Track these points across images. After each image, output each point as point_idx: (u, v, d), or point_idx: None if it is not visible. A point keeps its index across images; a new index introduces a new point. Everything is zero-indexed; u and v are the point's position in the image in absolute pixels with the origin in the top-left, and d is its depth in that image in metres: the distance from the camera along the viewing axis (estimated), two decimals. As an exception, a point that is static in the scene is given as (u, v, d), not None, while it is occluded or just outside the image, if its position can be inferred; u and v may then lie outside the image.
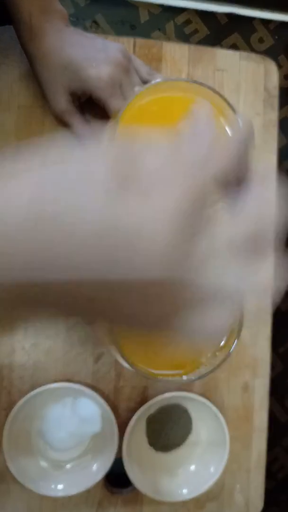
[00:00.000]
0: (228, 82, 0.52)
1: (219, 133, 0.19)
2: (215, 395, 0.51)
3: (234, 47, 1.18)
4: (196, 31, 1.16)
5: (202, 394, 0.50)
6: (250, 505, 0.53)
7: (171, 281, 0.18)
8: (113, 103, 0.44)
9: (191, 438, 0.51)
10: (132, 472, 0.47)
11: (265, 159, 0.53)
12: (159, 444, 0.51)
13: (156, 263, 0.17)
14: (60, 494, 0.47)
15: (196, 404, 0.50)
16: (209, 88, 0.33)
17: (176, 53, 0.51)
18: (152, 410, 0.49)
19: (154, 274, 0.17)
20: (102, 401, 0.47)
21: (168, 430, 0.50)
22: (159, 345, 0.35)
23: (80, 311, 0.19)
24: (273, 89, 0.53)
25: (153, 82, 0.33)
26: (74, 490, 0.47)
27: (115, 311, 0.19)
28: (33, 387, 0.47)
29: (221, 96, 0.33)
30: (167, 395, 0.48)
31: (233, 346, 0.34)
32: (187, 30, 1.16)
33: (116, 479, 0.49)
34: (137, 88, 0.33)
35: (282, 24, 1.19)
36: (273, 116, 0.53)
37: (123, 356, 0.33)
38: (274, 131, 0.53)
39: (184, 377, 0.34)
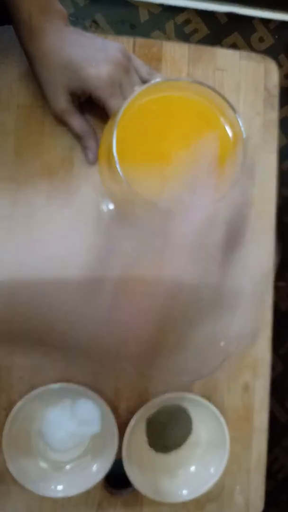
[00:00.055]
0: (228, 81, 0.52)
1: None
2: (215, 395, 0.51)
3: (234, 46, 1.18)
4: (196, 30, 1.16)
5: (202, 395, 0.50)
6: (250, 506, 0.52)
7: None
8: (112, 102, 0.44)
9: (191, 438, 0.51)
10: (132, 473, 0.47)
11: (265, 159, 0.53)
12: (159, 445, 0.51)
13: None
14: (60, 495, 0.47)
15: (196, 405, 0.50)
16: (209, 87, 0.33)
17: (176, 52, 0.51)
18: (152, 411, 0.49)
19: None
20: (102, 401, 0.47)
21: (168, 430, 0.50)
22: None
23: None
24: (273, 88, 0.53)
25: (152, 81, 0.33)
26: (74, 491, 0.47)
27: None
28: (32, 388, 0.47)
29: (221, 95, 0.33)
30: (167, 395, 0.48)
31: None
32: (187, 29, 1.16)
33: (116, 480, 0.49)
34: (137, 88, 0.32)
35: (282, 23, 1.19)
36: (273, 115, 0.53)
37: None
38: (274, 131, 0.53)
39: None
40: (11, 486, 0.47)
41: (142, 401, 0.49)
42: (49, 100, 0.45)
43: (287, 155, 1.18)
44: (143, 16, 1.13)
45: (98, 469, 0.47)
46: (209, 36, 1.17)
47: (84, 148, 0.49)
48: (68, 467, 0.49)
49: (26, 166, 0.48)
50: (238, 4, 1.16)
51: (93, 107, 0.46)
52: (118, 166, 0.31)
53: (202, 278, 0.19)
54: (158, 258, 0.19)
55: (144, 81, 0.47)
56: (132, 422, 0.47)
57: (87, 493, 0.48)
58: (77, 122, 0.47)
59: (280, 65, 1.15)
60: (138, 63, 0.48)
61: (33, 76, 0.45)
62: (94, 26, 1.11)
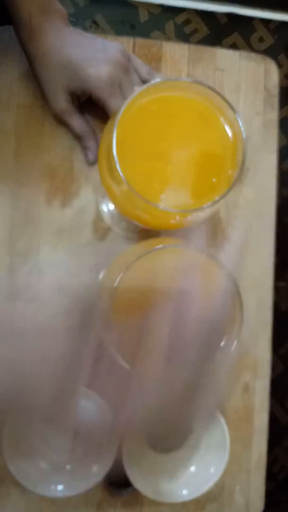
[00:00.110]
0: (228, 81, 0.52)
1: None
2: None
3: (234, 46, 1.18)
4: (196, 30, 1.16)
5: (202, 395, 0.50)
6: (250, 506, 0.52)
7: None
8: (112, 102, 0.44)
9: (192, 439, 0.51)
10: (132, 473, 0.47)
11: (265, 158, 0.53)
12: (159, 445, 0.50)
13: None
14: (60, 495, 0.47)
15: (196, 405, 0.50)
16: (209, 87, 0.33)
17: (176, 52, 0.51)
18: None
19: None
20: (101, 401, 0.47)
21: (168, 431, 0.50)
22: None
23: None
24: (273, 88, 0.53)
25: (152, 81, 0.33)
26: (74, 492, 0.47)
27: None
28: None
29: (221, 95, 0.33)
30: (167, 395, 0.48)
31: (233, 346, 0.34)
32: (187, 29, 1.16)
33: (116, 480, 0.49)
34: (136, 88, 0.32)
35: (282, 23, 1.19)
36: (273, 115, 0.53)
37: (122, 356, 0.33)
38: (274, 131, 0.53)
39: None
40: (11, 487, 0.47)
41: (142, 401, 0.49)
42: (49, 100, 0.45)
43: (287, 155, 1.18)
44: (143, 16, 1.13)
45: (98, 470, 0.47)
46: (209, 36, 1.17)
47: (84, 149, 0.49)
48: (68, 467, 0.49)
49: (26, 166, 0.48)
50: (238, 4, 1.16)
51: (93, 107, 0.46)
52: (118, 166, 0.31)
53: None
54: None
55: (144, 81, 0.47)
56: (132, 422, 0.47)
57: (87, 494, 0.48)
58: (77, 122, 0.47)
59: (280, 65, 1.16)
60: (138, 63, 0.48)
61: (33, 76, 0.45)
62: (94, 27, 1.11)
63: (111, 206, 0.50)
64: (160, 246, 0.33)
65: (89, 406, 0.47)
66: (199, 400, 0.24)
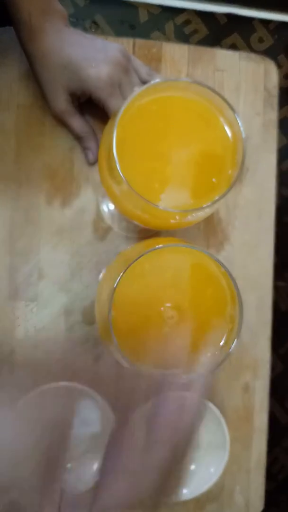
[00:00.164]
0: (228, 82, 0.52)
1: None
2: (215, 395, 0.51)
3: (234, 47, 1.18)
4: (195, 31, 1.16)
5: (202, 395, 0.50)
6: (250, 506, 0.53)
7: None
8: (112, 103, 0.44)
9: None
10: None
11: (265, 158, 0.53)
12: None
13: None
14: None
15: (196, 405, 0.50)
16: (209, 88, 0.33)
17: (176, 53, 0.51)
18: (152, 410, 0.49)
19: None
20: (102, 401, 0.47)
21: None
22: (158, 344, 0.35)
23: None
24: (272, 88, 0.53)
25: (152, 82, 0.33)
26: (74, 491, 0.47)
27: None
28: (32, 387, 0.47)
29: (220, 96, 0.33)
30: (167, 395, 0.48)
31: (232, 345, 0.34)
32: (187, 30, 1.16)
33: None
34: (136, 88, 0.33)
35: (282, 24, 1.19)
36: (273, 116, 0.53)
37: (122, 355, 0.33)
38: (273, 131, 0.53)
39: (184, 377, 0.34)
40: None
41: (142, 401, 0.49)
42: (49, 100, 0.45)
43: (287, 155, 1.18)
44: (143, 16, 1.13)
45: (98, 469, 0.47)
46: (208, 36, 1.17)
47: (84, 149, 0.49)
48: (68, 466, 0.49)
49: (26, 166, 0.48)
50: (237, 4, 1.16)
51: (93, 108, 0.46)
52: (118, 166, 0.31)
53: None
54: None
55: (143, 82, 0.47)
56: (132, 422, 0.47)
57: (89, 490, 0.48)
58: (77, 123, 0.47)
59: (279, 66, 1.16)
60: (138, 63, 0.48)
61: (33, 76, 0.45)
62: (94, 27, 1.11)
63: (111, 206, 0.50)
64: (160, 246, 0.33)
65: (90, 406, 0.47)
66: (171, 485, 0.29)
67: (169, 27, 1.15)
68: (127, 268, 0.32)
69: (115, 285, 0.32)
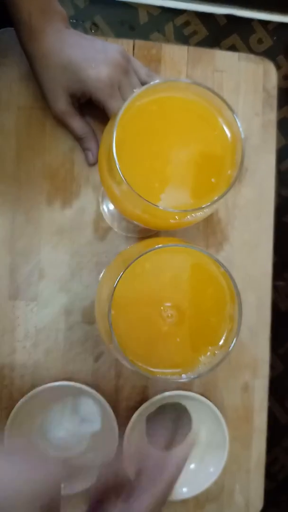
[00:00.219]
0: (228, 83, 0.53)
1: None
2: (214, 395, 0.52)
3: (233, 48, 1.18)
4: (195, 32, 1.16)
5: (202, 394, 0.50)
6: (250, 506, 0.53)
7: None
8: (112, 103, 0.44)
9: (191, 437, 0.51)
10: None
11: (264, 159, 0.53)
12: (159, 443, 0.51)
13: None
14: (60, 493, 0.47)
15: (196, 404, 0.50)
16: (208, 88, 0.33)
17: (175, 54, 0.52)
18: (152, 409, 0.50)
19: None
20: (102, 400, 0.47)
21: (168, 429, 0.50)
22: (159, 344, 0.36)
23: None
24: (272, 89, 0.53)
25: (152, 82, 0.33)
26: (74, 489, 0.47)
27: None
28: (33, 386, 0.47)
29: (219, 96, 0.33)
30: (167, 394, 0.48)
31: (232, 345, 0.34)
32: (186, 31, 1.16)
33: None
34: (136, 89, 0.33)
35: (281, 25, 1.19)
36: (272, 116, 0.53)
37: (122, 355, 0.33)
38: (273, 131, 0.53)
39: (183, 376, 0.34)
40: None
41: (142, 399, 0.49)
42: (49, 101, 0.46)
43: (286, 156, 1.18)
44: (143, 18, 1.14)
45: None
46: (208, 37, 1.17)
47: (84, 150, 0.49)
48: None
49: (27, 167, 0.49)
50: (237, 6, 1.16)
51: (93, 109, 0.46)
52: (118, 166, 0.32)
53: None
54: None
55: (143, 83, 0.48)
56: (132, 420, 0.47)
57: (88, 491, 0.48)
58: (77, 123, 0.47)
59: (278, 66, 1.16)
60: (138, 64, 0.48)
61: (33, 77, 0.45)
62: (94, 28, 1.11)
63: (111, 206, 0.50)
64: (160, 246, 0.33)
65: (90, 404, 0.47)
66: None
67: (169, 28, 1.15)
68: (127, 267, 0.32)
69: (115, 284, 0.32)
